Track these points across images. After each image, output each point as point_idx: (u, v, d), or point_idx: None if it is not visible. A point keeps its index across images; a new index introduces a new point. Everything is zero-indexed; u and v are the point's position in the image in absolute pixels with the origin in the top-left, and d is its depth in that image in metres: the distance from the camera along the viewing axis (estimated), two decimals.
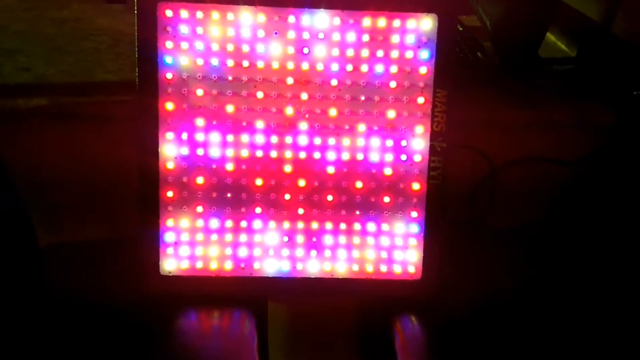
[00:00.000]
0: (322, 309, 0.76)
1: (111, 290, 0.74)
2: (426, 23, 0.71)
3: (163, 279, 0.74)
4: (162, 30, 0.69)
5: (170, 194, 0.73)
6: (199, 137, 0.72)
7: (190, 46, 0.70)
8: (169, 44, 0.70)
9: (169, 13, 0.69)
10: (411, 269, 0.76)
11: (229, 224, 0.74)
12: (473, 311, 0.76)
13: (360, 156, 0.74)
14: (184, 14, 0.69)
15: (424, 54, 0.72)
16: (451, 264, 0.78)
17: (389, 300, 0.77)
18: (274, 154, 0.73)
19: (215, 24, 0.70)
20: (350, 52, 0.71)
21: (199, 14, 0.69)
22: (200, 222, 0.74)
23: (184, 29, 0.69)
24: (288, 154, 0.73)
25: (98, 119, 0.83)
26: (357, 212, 0.75)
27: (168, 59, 0.70)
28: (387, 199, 0.75)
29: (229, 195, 0.74)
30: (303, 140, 0.73)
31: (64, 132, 0.83)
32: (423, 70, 0.72)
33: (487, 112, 0.91)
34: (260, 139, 0.73)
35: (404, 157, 0.74)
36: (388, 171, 0.75)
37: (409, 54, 0.72)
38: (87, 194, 0.83)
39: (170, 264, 0.74)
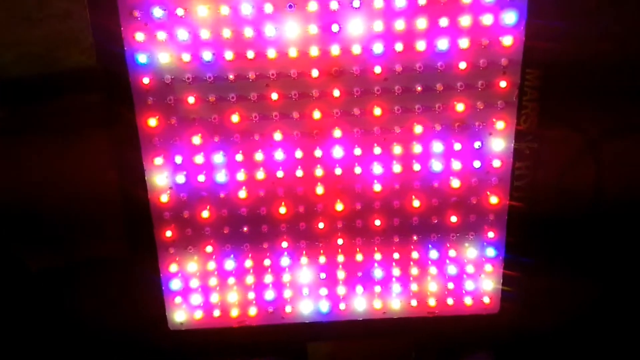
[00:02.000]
0: (374, 354, 0.60)
1: (116, 347, 0.60)
2: None
3: (174, 334, 0.59)
4: (126, 15, 0.48)
5: (169, 233, 0.56)
6: (198, 159, 0.53)
7: (169, 36, 0.49)
8: (139, 36, 0.49)
9: None
10: (486, 300, 0.59)
11: (248, 263, 0.58)
12: (562, 351, 0.60)
13: (416, 167, 0.54)
14: None
15: (510, 18, 0.49)
16: (537, 289, 0.60)
17: (457, 339, 0.61)
18: (299, 173, 0.54)
19: (201, 0, 0.48)
20: (399, 25, 0.49)
21: None
22: (211, 265, 0.57)
23: (158, 11, 0.48)
24: (318, 172, 0.54)
25: (68, 129, 0.64)
26: (415, 238, 0.57)
27: (141, 58, 0.49)
28: (454, 219, 0.57)
29: (245, 229, 0.56)
30: (338, 152, 0.53)
31: (29, 149, 0.64)
32: (507, 41, 0.50)
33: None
34: (279, 155, 0.53)
35: (477, 164, 0.54)
36: (455, 183, 0.55)
37: (487, 19, 0.49)
38: (67, 218, 0.67)
39: (180, 315, 0.59)
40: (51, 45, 0.73)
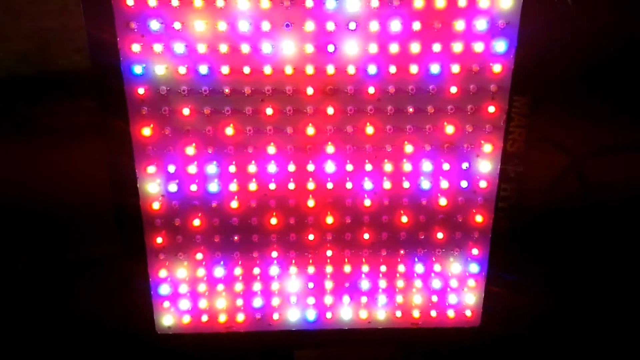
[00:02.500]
0: None
1: (103, 348, 0.61)
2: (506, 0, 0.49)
3: (161, 337, 0.60)
4: (123, 27, 0.48)
5: (159, 240, 0.57)
6: (191, 169, 0.54)
7: (166, 48, 0.49)
8: (135, 47, 0.49)
9: (130, 1, 0.48)
10: (468, 314, 0.61)
11: (237, 271, 0.59)
12: None
13: (406, 184, 0.56)
14: (152, 1, 0.48)
15: (501, 46, 0.50)
16: (518, 304, 0.62)
17: (439, 350, 0.63)
18: (291, 185, 0.55)
19: (199, 15, 0.48)
20: (394, 48, 0.50)
21: (175, 1, 0.48)
22: (201, 271, 0.58)
23: (154, 24, 0.48)
24: (310, 185, 0.55)
25: (60, 131, 0.64)
26: (402, 252, 0.59)
27: (137, 69, 0.50)
28: (440, 235, 0.58)
29: (235, 238, 0.57)
30: (330, 167, 0.55)
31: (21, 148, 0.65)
32: (497, 68, 0.51)
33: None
34: (272, 168, 0.54)
35: (464, 184, 0.56)
36: (442, 201, 0.56)
37: (479, 47, 0.50)
38: (59, 219, 0.67)
39: (168, 319, 0.60)
40: (43, 43, 0.72)
